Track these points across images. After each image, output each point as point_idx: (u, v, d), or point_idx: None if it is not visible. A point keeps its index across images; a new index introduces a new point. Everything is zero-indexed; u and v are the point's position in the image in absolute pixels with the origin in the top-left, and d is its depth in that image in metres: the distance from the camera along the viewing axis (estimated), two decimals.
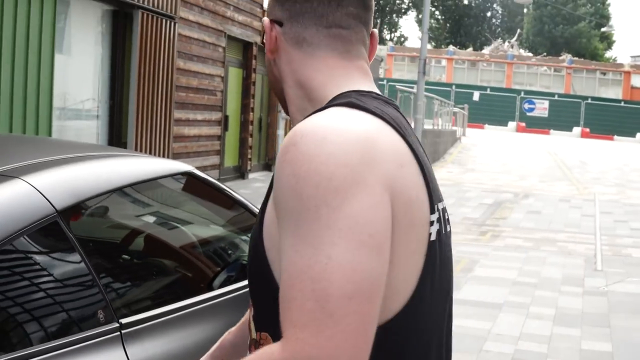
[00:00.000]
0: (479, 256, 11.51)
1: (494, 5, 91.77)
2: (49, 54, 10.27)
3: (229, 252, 3.82)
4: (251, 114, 19.16)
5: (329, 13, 1.78)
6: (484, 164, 27.69)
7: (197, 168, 3.65)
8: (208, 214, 3.95)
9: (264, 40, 1.85)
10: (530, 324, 8.02)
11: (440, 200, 1.75)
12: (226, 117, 17.34)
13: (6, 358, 2.26)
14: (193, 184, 3.61)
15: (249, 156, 19.09)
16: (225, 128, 17.37)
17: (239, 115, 18.70)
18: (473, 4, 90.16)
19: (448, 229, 1.79)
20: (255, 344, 1.75)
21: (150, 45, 12.92)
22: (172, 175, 3.45)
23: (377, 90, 1.80)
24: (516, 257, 11.64)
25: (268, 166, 20.71)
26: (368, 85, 1.79)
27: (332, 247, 1.47)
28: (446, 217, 1.78)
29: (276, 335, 1.56)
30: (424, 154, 1.73)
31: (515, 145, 38.33)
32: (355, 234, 1.48)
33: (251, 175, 19.00)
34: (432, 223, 1.66)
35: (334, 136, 1.54)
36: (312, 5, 1.78)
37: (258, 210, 1.78)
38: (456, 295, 7.43)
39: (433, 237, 1.67)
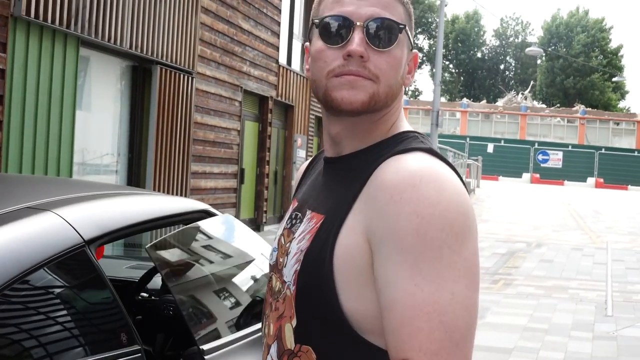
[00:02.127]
0: (490, 304, 11.68)
1: (507, 58, 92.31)
2: (70, 110, 10.59)
3: (244, 289, 4.04)
4: (267, 166, 19.41)
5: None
6: (498, 215, 27.83)
7: None
8: (221, 251, 4.20)
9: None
10: None
11: None
12: (242, 170, 17.60)
13: None
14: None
15: (265, 208, 19.31)
16: (242, 181, 17.61)
17: (254, 168, 18.97)
18: (486, 57, 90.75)
19: None
20: (290, 355, 1.89)
21: (168, 100, 13.27)
22: (189, 213, 3.68)
23: None
24: (527, 305, 11.80)
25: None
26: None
27: (454, 285, 1.68)
28: None
29: (320, 351, 1.81)
30: None
31: (529, 196, 38.42)
32: (469, 274, 1.71)
33: (266, 227, 19.21)
34: None
35: (448, 184, 1.74)
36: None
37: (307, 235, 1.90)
38: None
39: None
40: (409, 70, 1.97)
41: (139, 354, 2.85)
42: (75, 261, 2.79)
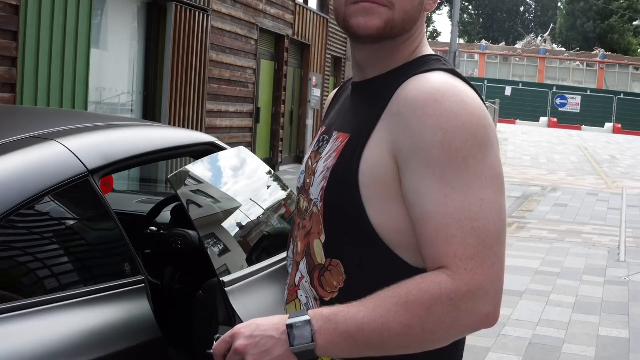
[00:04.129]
0: None
1: (527, 0, 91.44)
2: (85, 48, 10.55)
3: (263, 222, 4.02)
4: (283, 106, 19.38)
5: None
6: (514, 159, 27.76)
7: None
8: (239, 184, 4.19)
9: None
10: (550, 311, 8.21)
11: None
12: (258, 110, 17.57)
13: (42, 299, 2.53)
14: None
15: (280, 148, 19.32)
16: (257, 120, 17.59)
17: (270, 108, 18.94)
18: None
19: None
20: (321, 269, 1.98)
21: (183, 38, 13.21)
22: (196, 145, 3.64)
23: None
24: (540, 248, 11.81)
25: (299, 159, 20.92)
26: None
27: (482, 192, 1.79)
28: None
29: (349, 264, 1.92)
30: None
31: (546, 140, 38.28)
32: (495, 181, 1.82)
33: (282, 168, 19.23)
34: None
35: (470, 100, 1.85)
36: None
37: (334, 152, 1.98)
38: None
39: None
40: None
41: (142, 285, 2.85)
42: (79, 190, 2.79)
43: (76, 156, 2.79)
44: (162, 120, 12.75)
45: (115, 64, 12.30)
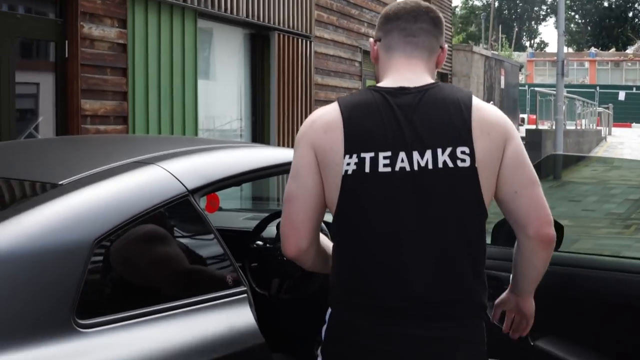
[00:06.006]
0: (620, 248, 11.46)
1: (636, 5, 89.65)
2: (192, 80, 10.84)
3: None
4: None
5: (408, 27, 2.77)
6: (631, 161, 27.12)
7: None
8: None
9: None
10: None
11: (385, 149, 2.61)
12: None
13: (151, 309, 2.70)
14: None
15: None
16: None
17: None
18: (613, 6, 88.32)
19: (409, 169, 2.59)
20: None
21: (287, 64, 13.44)
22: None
23: (401, 82, 2.69)
24: None
25: None
26: (402, 77, 2.71)
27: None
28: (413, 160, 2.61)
29: None
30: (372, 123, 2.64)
31: None
32: (292, 170, 2.74)
33: None
34: (348, 164, 2.58)
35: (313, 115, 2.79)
36: (398, 23, 2.79)
37: None
38: None
39: (349, 173, 2.59)
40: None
41: (245, 295, 2.97)
42: (181, 209, 2.96)
43: (176, 177, 2.96)
44: (271, 143, 12.97)
45: (222, 92, 12.58)
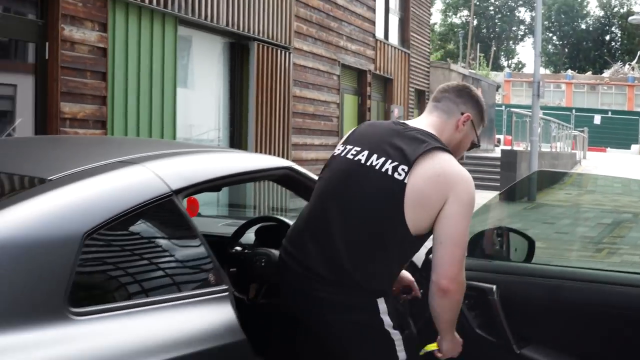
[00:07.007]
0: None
1: (613, 29, 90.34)
2: (171, 86, 10.86)
3: None
4: None
5: (437, 95, 3.63)
6: (605, 186, 27.31)
7: None
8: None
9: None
10: None
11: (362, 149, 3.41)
12: None
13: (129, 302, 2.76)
14: (293, 179, 4.02)
15: None
16: None
17: None
18: (591, 28, 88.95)
19: (369, 164, 3.33)
20: None
21: (266, 75, 13.48)
22: (274, 169, 3.86)
23: (409, 122, 3.52)
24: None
25: None
26: (413, 121, 3.52)
27: None
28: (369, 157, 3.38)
29: None
30: (369, 135, 3.48)
31: (638, 167, 37.61)
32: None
33: None
34: (338, 150, 3.47)
35: None
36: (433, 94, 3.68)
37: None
38: None
39: (335, 154, 3.46)
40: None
41: (227, 293, 3.04)
42: (165, 208, 3.01)
43: (160, 178, 3.02)
44: None
45: (201, 100, 12.59)
